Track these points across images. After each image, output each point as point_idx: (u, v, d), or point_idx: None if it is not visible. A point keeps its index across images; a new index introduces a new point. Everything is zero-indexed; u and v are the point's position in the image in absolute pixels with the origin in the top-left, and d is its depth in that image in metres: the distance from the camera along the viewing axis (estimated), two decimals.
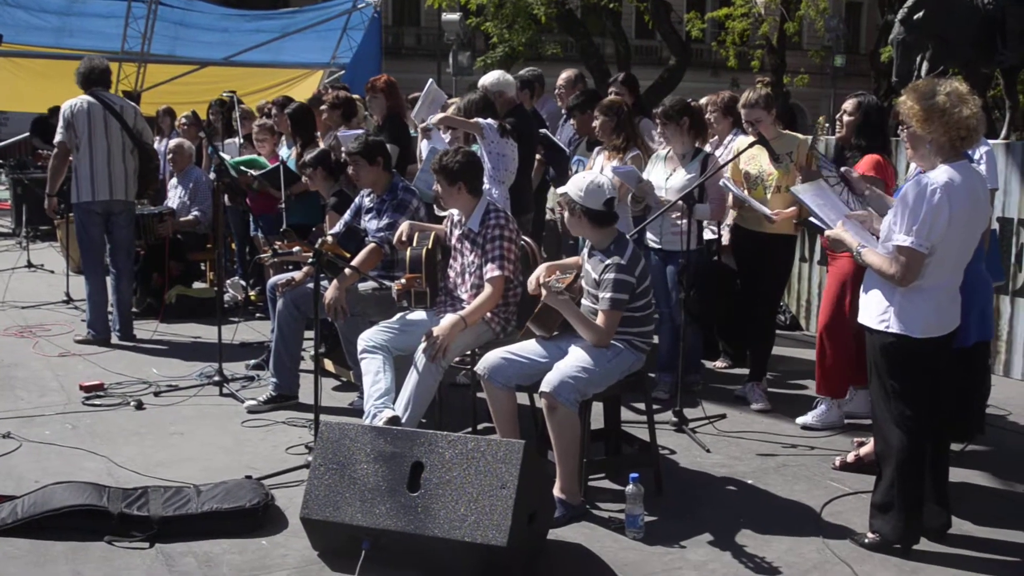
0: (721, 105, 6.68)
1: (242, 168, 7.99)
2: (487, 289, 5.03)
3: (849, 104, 5.58)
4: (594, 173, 4.85)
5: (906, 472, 3.97)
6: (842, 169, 4.48)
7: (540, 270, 4.76)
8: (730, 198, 6.01)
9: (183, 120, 10.24)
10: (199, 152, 9.84)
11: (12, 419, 5.58)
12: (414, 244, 5.33)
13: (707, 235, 6.48)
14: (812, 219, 4.41)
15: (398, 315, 5.29)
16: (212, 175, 7.06)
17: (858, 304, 4.17)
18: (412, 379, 4.89)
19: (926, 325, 3.90)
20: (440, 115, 6.51)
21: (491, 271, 5.03)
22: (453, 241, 5.33)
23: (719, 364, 7.06)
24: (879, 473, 4.13)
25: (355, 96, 8.01)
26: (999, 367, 6.85)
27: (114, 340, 7.52)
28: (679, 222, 5.76)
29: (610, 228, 4.54)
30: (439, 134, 6.75)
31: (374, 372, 5.02)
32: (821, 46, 31.38)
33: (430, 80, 7.32)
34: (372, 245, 5.69)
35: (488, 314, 5.08)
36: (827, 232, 4.22)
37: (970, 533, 4.25)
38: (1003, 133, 9.12)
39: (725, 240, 6.57)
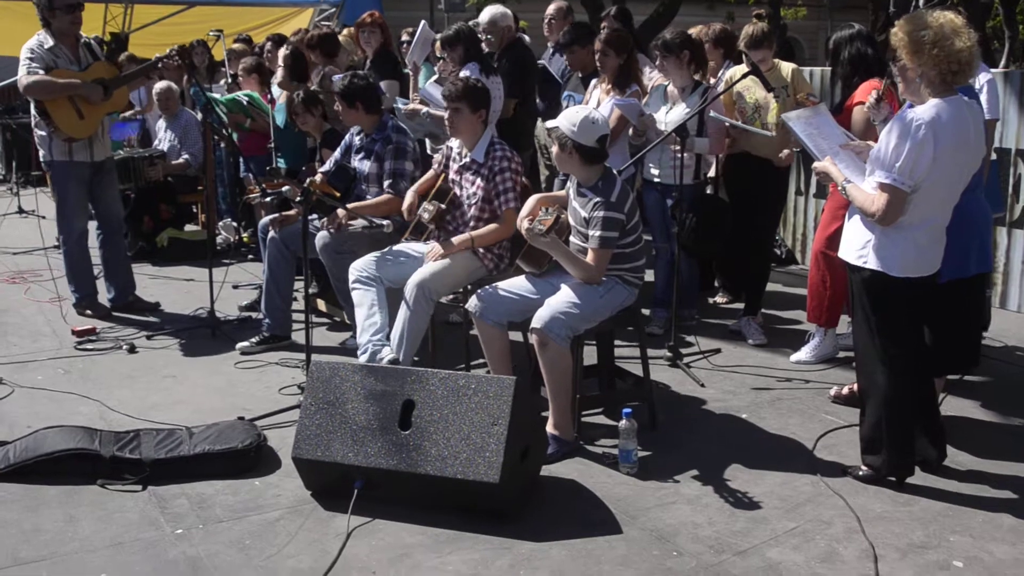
0: (712, 37, 6.55)
1: (241, 103, 7.80)
2: (499, 223, 5.02)
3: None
4: (588, 108, 4.74)
5: (893, 409, 3.93)
6: None
7: (531, 201, 4.70)
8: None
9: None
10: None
11: (4, 365, 5.57)
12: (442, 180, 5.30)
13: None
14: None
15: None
16: (199, 115, 6.92)
17: None
18: (403, 316, 4.86)
19: (904, 263, 3.80)
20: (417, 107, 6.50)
21: (505, 203, 5.00)
22: (451, 175, 5.25)
23: (719, 299, 7.03)
24: (862, 409, 4.11)
25: (344, 32, 7.87)
26: (996, 299, 6.81)
27: None
28: (679, 155, 5.69)
29: (599, 165, 4.45)
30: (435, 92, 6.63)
31: (368, 305, 5.00)
32: None
33: (422, 22, 7.19)
34: (389, 196, 5.62)
35: (480, 250, 5.04)
36: (814, 164, 4.10)
37: (965, 465, 4.24)
38: (1003, 63, 9.02)
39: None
